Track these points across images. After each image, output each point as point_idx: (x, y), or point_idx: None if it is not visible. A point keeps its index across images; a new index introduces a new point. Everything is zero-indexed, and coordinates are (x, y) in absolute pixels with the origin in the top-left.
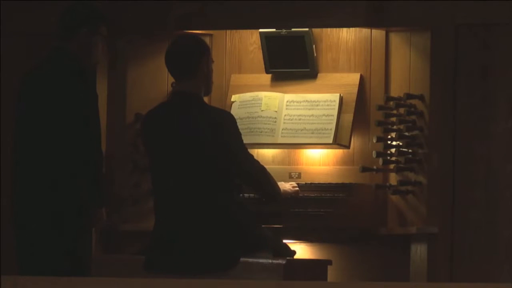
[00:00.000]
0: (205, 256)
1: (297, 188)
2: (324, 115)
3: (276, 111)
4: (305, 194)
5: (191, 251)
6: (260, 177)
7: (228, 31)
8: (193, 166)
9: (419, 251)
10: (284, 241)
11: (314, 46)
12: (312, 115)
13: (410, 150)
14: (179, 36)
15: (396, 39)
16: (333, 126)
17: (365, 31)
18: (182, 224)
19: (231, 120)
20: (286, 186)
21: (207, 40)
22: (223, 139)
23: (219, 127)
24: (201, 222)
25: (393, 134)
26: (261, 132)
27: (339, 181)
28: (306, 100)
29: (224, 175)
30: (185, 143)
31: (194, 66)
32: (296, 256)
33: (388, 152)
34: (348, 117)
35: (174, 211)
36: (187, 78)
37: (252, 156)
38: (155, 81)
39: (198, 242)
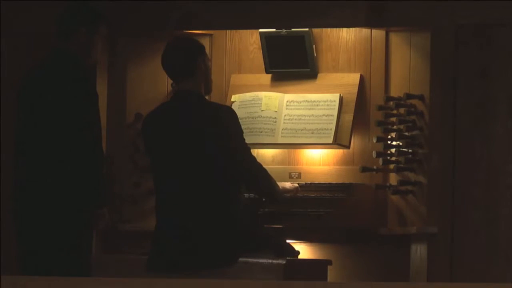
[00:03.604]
0: (205, 253)
1: (297, 185)
2: (324, 115)
3: (276, 111)
4: (305, 194)
5: (191, 248)
6: (259, 175)
7: (228, 31)
8: (194, 165)
9: (419, 251)
10: None
11: (314, 46)
12: (312, 115)
13: (410, 150)
14: (172, 38)
15: (396, 39)
16: (333, 126)
17: (365, 31)
18: (183, 222)
19: (232, 115)
20: (286, 184)
21: (207, 40)
22: (223, 137)
23: (220, 124)
24: (202, 220)
25: (393, 134)
26: (261, 132)
27: (339, 181)
28: (306, 100)
29: (224, 173)
30: (185, 141)
31: (190, 65)
32: None
33: (388, 152)
34: (348, 117)
35: (175, 210)
36: (185, 78)
37: (251, 154)
38: (155, 81)
39: (198, 239)
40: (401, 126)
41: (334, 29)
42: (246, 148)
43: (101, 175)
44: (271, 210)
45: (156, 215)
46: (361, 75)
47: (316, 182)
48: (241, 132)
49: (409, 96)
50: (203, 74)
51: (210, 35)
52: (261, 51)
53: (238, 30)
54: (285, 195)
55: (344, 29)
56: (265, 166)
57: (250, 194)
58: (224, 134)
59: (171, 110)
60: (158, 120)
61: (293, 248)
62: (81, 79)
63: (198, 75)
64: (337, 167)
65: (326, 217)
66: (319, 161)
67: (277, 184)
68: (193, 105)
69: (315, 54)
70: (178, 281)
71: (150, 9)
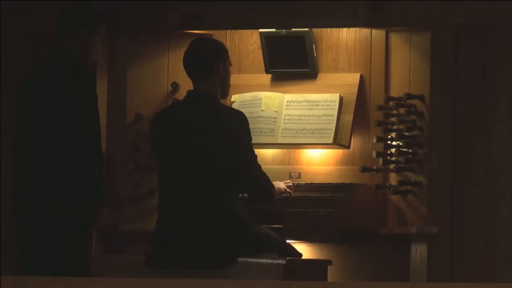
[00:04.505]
0: (206, 253)
1: (290, 184)
2: (324, 115)
3: (276, 111)
4: (305, 194)
5: (191, 247)
6: (262, 181)
7: (228, 31)
8: (199, 165)
9: (419, 251)
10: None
11: (314, 46)
12: (312, 115)
13: (410, 150)
14: (197, 37)
15: (396, 39)
16: (333, 126)
17: (365, 31)
18: (185, 221)
19: (243, 120)
20: (281, 184)
21: None
22: (232, 140)
23: (230, 127)
24: (203, 219)
25: (393, 134)
26: (261, 132)
27: (339, 181)
28: (306, 100)
29: (229, 175)
30: (193, 142)
31: (209, 67)
32: None
33: (388, 152)
34: (348, 117)
35: (178, 209)
36: (202, 79)
37: (257, 162)
38: (155, 81)
39: (199, 238)
40: (401, 126)
41: (334, 29)
42: (253, 156)
43: (101, 175)
44: (271, 210)
45: (158, 212)
46: (361, 75)
47: (316, 182)
48: (250, 139)
49: (409, 96)
50: (221, 78)
51: (210, 35)
52: (261, 51)
53: (238, 30)
54: (283, 195)
55: (344, 29)
56: (265, 166)
57: (245, 195)
58: (233, 138)
59: (182, 110)
60: (168, 119)
61: (296, 251)
62: (81, 79)
63: (216, 78)
64: (337, 167)
65: (326, 217)
66: (319, 161)
67: (274, 188)
68: (205, 107)
69: (315, 54)
70: (178, 281)
71: (150, 10)
